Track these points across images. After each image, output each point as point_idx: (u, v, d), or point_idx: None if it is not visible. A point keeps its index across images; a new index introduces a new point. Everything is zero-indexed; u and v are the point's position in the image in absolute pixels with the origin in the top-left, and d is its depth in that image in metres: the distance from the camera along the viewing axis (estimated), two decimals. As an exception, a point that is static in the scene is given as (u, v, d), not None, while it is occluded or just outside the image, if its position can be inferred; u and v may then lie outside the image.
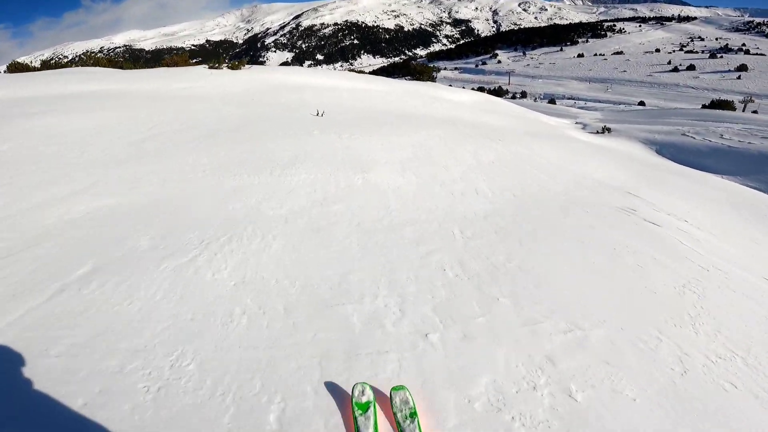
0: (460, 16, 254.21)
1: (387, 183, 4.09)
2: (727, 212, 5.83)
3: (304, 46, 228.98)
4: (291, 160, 4.49)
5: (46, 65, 12.66)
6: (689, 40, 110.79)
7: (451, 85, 23.91)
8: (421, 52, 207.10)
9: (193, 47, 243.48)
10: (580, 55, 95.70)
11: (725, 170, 12.05)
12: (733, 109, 24.88)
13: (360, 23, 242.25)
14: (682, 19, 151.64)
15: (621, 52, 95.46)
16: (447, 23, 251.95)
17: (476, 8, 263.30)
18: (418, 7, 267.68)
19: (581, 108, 31.23)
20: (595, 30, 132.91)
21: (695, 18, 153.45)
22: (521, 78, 75.53)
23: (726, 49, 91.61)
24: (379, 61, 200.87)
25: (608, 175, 6.22)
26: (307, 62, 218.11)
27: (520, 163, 5.75)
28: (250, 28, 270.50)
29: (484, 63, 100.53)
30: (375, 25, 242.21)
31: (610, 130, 13.50)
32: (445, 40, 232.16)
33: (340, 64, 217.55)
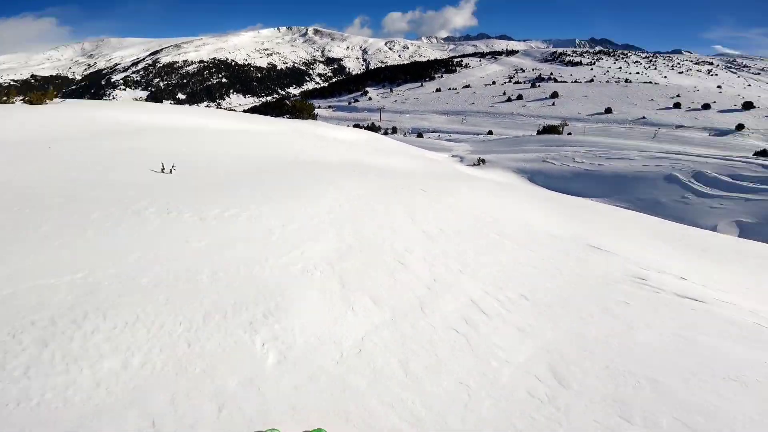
0: (333, 54, 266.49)
1: (339, 364, 1.87)
2: (693, 256, 5.21)
3: (162, 84, 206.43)
4: (65, 323, 1.95)
5: None
6: (515, 71, 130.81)
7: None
8: (294, 90, 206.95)
9: (12, 83, 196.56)
10: (438, 90, 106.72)
11: (593, 193, 13.07)
12: (560, 132, 29.83)
13: (230, 61, 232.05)
14: (509, 53, 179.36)
15: (469, 86, 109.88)
16: (320, 62, 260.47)
17: (348, 47, 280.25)
18: (292, 45, 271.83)
19: (448, 140, 33.56)
20: (447, 66, 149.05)
21: (517, 51, 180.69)
22: (391, 114, 78.89)
23: (540, 79, 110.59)
24: (251, 101, 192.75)
25: (546, 221, 5.34)
26: (167, 101, 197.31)
27: (470, 226, 4.25)
28: (92, 63, 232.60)
29: (356, 100, 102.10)
30: (246, 63, 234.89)
31: (484, 161, 14.00)
32: (318, 79, 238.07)
33: (206, 103, 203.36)
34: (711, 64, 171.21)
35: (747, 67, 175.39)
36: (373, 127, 47.40)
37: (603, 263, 3.62)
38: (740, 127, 47.39)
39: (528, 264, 3.27)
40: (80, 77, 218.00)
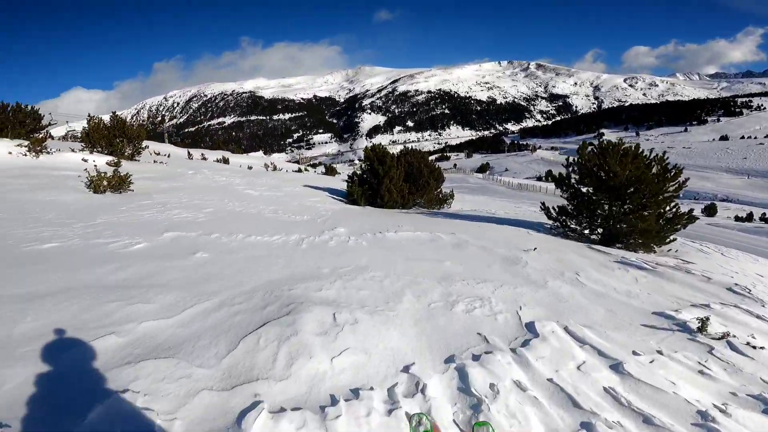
0: (557, 91, 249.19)
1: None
2: None
3: (397, 110, 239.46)
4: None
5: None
6: None
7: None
8: (512, 127, 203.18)
9: (302, 100, 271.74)
10: (724, 138, 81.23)
11: None
12: None
13: (452, 93, 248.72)
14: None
15: (779, 136, 77.46)
16: (542, 98, 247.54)
17: (575, 83, 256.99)
18: (513, 80, 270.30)
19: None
20: (726, 107, 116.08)
21: None
22: (647, 164, 61.80)
23: None
24: (468, 134, 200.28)
25: None
26: (398, 127, 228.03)
27: None
28: (351, 89, 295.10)
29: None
30: (467, 95, 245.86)
31: None
32: (539, 116, 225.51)
33: (428, 133, 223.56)
34: None
35: None
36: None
37: None
38: None
39: None
40: (342, 100, 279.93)
